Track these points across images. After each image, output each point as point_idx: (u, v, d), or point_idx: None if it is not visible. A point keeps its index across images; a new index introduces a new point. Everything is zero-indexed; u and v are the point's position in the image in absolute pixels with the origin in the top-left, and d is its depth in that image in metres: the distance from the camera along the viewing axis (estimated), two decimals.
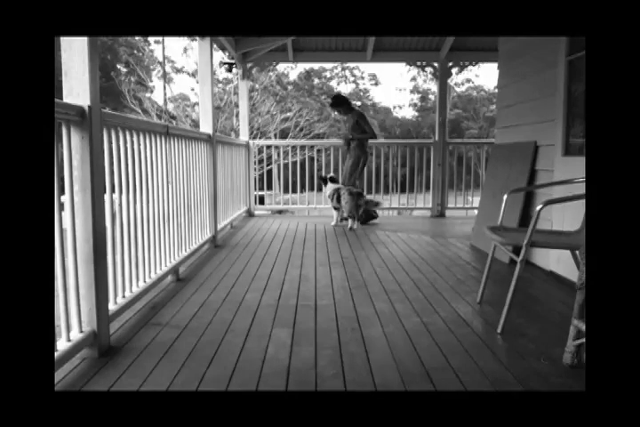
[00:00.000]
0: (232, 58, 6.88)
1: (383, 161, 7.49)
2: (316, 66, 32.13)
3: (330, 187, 5.67)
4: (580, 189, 2.42)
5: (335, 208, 5.59)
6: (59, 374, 1.74)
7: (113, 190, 2.21)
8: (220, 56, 17.20)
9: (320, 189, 6.02)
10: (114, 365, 1.87)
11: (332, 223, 5.60)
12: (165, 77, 23.48)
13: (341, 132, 6.23)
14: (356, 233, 5.06)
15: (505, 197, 2.62)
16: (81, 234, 1.89)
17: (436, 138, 6.69)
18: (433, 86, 32.26)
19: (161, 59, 24.64)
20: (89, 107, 1.85)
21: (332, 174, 5.94)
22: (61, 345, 1.76)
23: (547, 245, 2.42)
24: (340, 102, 5.89)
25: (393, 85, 59.64)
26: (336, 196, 5.50)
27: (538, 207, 2.14)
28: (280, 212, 7.66)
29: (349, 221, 5.34)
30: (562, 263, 3.15)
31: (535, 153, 3.70)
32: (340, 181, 5.87)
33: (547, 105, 3.55)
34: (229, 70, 7.41)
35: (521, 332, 2.24)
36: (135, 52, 25.73)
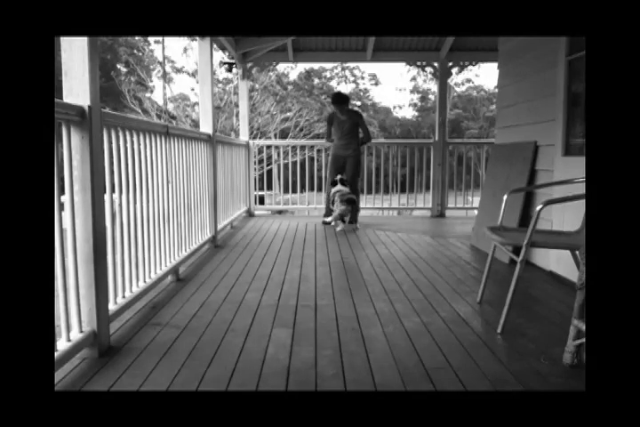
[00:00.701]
0: (232, 58, 6.88)
1: (383, 161, 7.48)
2: (316, 66, 32.16)
3: (336, 189, 5.48)
4: (580, 189, 2.41)
5: (330, 209, 5.51)
6: (59, 374, 1.74)
7: (113, 190, 2.21)
8: (220, 56, 17.16)
9: (320, 190, 5.98)
10: (114, 365, 1.87)
11: (338, 228, 5.29)
12: (165, 77, 23.50)
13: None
14: (356, 233, 5.06)
15: (505, 197, 2.62)
16: (81, 234, 1.89)
17: (436, 138, 6.69)
18: (433, 86, 32.25)
19: (161, 59, 24.68)
20: (89, 107, 1.85)
21: (340, 176, 5.57)
22: (61, 345, 1.76)
23: (547, 245, 2.42)
24: (344, 100, 5.78)
25: (393, 85, 59.65)
26: (332, 199, 5.42)
27: (538, 207, 2.14)
28: (280, 212, 7.66)
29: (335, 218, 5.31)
30: (562, 263, 3.15)
31: (535, 153, 3.70)
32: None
33: (547, 105, 3.55)
34: (229, 70, 7.44)
35: (521, 332, 2.24)
36: (135, 52, 25.74)
